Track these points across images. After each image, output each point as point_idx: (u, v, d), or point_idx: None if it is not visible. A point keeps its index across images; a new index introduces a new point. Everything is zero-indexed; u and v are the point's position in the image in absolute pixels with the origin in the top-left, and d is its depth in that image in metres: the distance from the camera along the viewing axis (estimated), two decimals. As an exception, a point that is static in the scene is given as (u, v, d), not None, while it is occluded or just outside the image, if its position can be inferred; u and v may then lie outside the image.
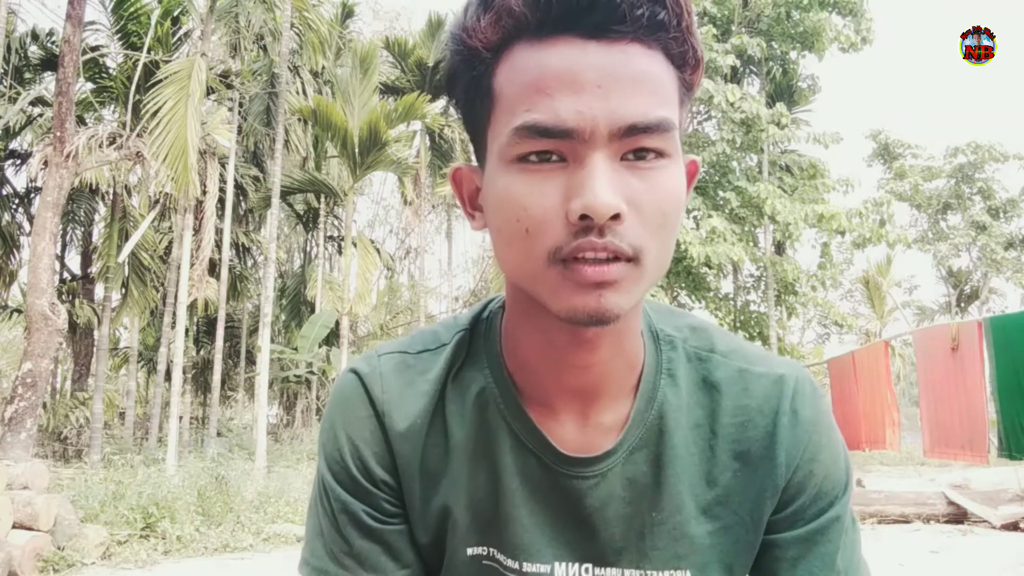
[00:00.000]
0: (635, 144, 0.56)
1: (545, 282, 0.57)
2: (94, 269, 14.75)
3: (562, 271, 0.56)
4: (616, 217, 0.54)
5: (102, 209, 15.49)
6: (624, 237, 0.55)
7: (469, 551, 0.71)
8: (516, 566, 0.69)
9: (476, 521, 0.70)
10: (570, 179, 0.55)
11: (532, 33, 0.57)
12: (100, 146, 9.52)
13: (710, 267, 14.69)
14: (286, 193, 14.85)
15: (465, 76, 0.61)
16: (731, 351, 0.72)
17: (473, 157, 0.68)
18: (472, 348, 0.73)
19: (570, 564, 0.69)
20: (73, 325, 13.77)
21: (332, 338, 15.11)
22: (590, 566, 0.69)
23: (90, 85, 12.38)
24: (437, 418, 0.71)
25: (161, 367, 13.65)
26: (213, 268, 13.69)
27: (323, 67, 15.14)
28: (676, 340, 0.72)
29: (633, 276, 0.56)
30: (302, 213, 17.83)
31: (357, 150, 13.55)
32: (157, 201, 12.80)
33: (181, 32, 12.51)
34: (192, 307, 13.51)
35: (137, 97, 10.75)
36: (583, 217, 0.54)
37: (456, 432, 0.70)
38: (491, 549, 0.70)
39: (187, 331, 14.75)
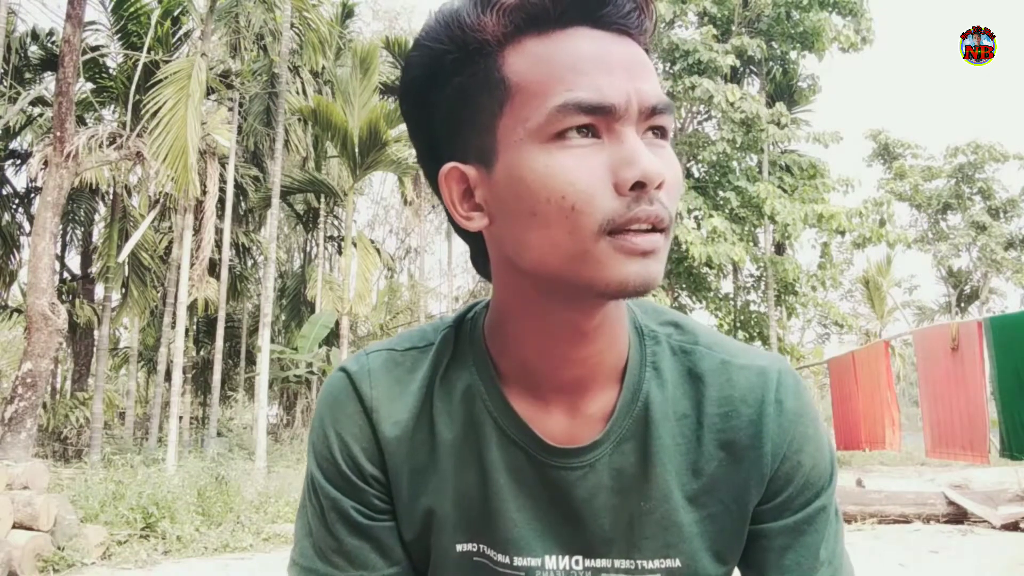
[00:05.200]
0: (654, 123, 0.60)
1: (593, 256, 0.58)
2: (94, 269, 14.76)
3: (612, 242, 0.58)
4: (661, 185, 0.58)
5: (102, 209, 15.50)
6: (665, 205, 0.59)
7: (459, 547, 0.71)
8: (506, 561, 0.70)
9: (465, 517, 0.70)
10: (611, 153, 0.58)
11: (545, 25, 0.60)
12: (100, 146, 9.52)
13: (711, 267, 14.69)
14: (286, 193, 14.86)
15: (462, 73, 0.62)
16: (714, 344, 0.73)
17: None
18: (458, 346, 0.73)
19: (560, 557, 0.70)
20: (73, 325, 13.78)
21: (332, 338, 15.11)
22: (580, 558, 0.70)
23: (90, 85, 12.38)
24: (425, 415, 0.71)
25: (161, 367, 13.65)
26: (213, 268, 13.69)
27: (323, 67, 15.14)
28: (660, 335, 0.73)
29: (665, 246, 0.60)
30: (302, 213, 17.84)
31: (357, 150, 13.56)
32: (157, 201, 12.79)
33: (181, 32, 12.51)
34: (192, 307, 13.52)
35: (137, 97, 10.74)
36: (635, 186, 0.57)
37: (443, 429, 0.71)
38: (481, 545, 0.71)
39: (187, 331, 14.76)
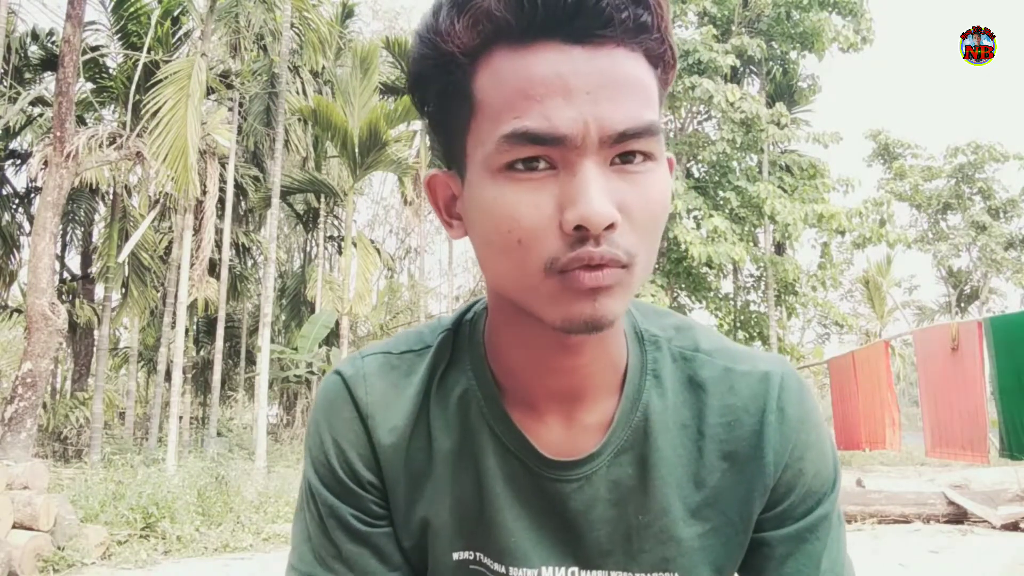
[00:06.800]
0: (624, 149, 0.55)
1: (540, 293, 0.56)
2: (94, 269, 14.75)
3: (560, 280, 0.55)
4: (611, 226, 0.54)
5: (102, 209, 15.50)
6: (619, 245, 0.55)
7: (455, 556, 0.70)
8: (503, 570, 0.69)
9: (462, 525, 0.70)
10: (562, 188, 0.54)
11: (514, 38, 0.55)
12: (100, 146, 9.52)
13: (711, 267, 14.69)
14: (286, 193, 14.85)
15: (439, 81, 0.59)
16: (715, 350, 0.71)
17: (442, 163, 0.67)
18: (456, 350, 0.72)
19: (556, 568, 0.68)
20: (73, 325, 13.78)
21: (332, 338, 15.11)
22: (576, 569, 0.69)
23: (90, 85, 12.38)
24: (421, 421, 0.70)
25: (161, 367, 13.65)
26: (213, 268, 13.69)
27: (323, 67, 15.14)
28: (660, 340, 0.71)
29: (626, 281, 0.56)
30: (302, 213, 17.83)
31: (357, 150, 13.55)
32: (157, 201, 12.79)
33: (181, 32, 12.51)
34: (192, 307, 13.51)
35: (137, 97, 10.74)
36: (578, 228, 0.53)
37: (439, 435, 0.70)
38: (477, 553, 0.70)
39: (187, 331, 14.75)
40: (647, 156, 0.56)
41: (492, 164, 0.56)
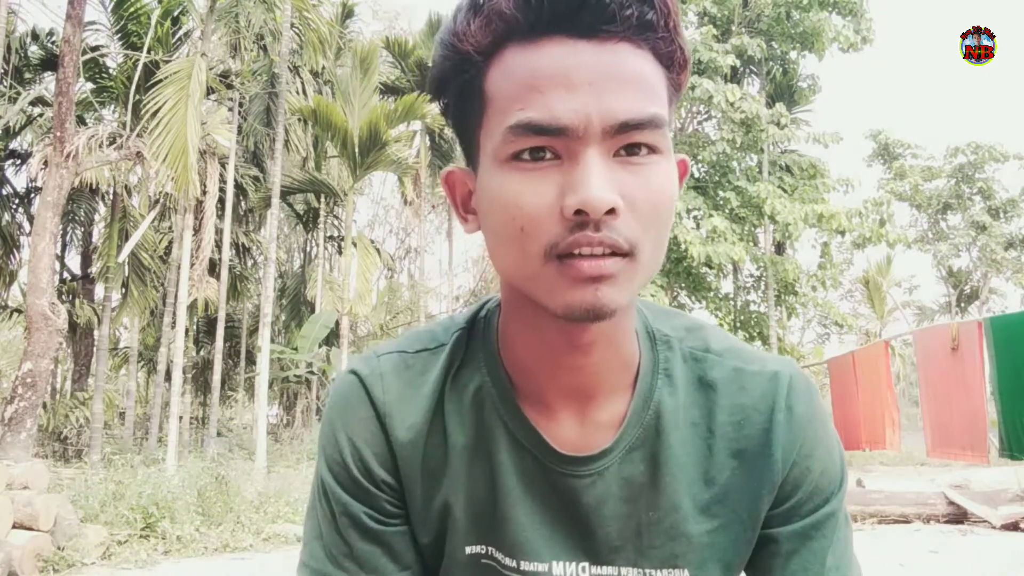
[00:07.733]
0: (628, 140, 0.57)
1: (541, 279, 0.58)
2: (94, 269, 14.76)
3: (558, 267, 0.56)
4: (611, 212, 0.55)
5: (102, 209, 15.50)
6: (620, 231, 0.56)
7: (468, 550, 0.71)
8: (514, 565, 0.70)
9: (475, 520, 0.70)
10: (565, 176, 0.56)
11: (523, 35, 0.57)
12: (100, 146, 9.53)
13: (711, 267, 14.69)
14: (286, 193, 14.86)
15: (457, 80, 0.62)
16: (725, 350, 0.72)
17: (463, 161, 0.69)
18: (470, 347, 0.73)
19: (567, 563, 0.69)
20: (73, 325, 13.77)
21: (332, 338, 15.11)
22: (587, 564, 0.69)
23: (90, 85, 12.38)
24: (437, 418, 0.71)
25: (161, 367, 13.66)
26: (213, 268, 13.69)
27: (323, 67, 15.15)
28: (672, 340, 0.72)
29: (628, 271, 0.57)
30: (302, 213, 17.83)
31: (357, 150, 13.55)
32: (157, 201, 12.79)
33: (181, 32, 12.50)
34: (192, 307, 13.52)
35: (137, 97, 10.75)
36: (578, 212, 0.55)
37: (454, 432, 0.71)
38: (489, 548, 0.71)
39: (187, 331, 14.76)
40: (652, 149, 0.58)
41: (499, 155, 0.58)
